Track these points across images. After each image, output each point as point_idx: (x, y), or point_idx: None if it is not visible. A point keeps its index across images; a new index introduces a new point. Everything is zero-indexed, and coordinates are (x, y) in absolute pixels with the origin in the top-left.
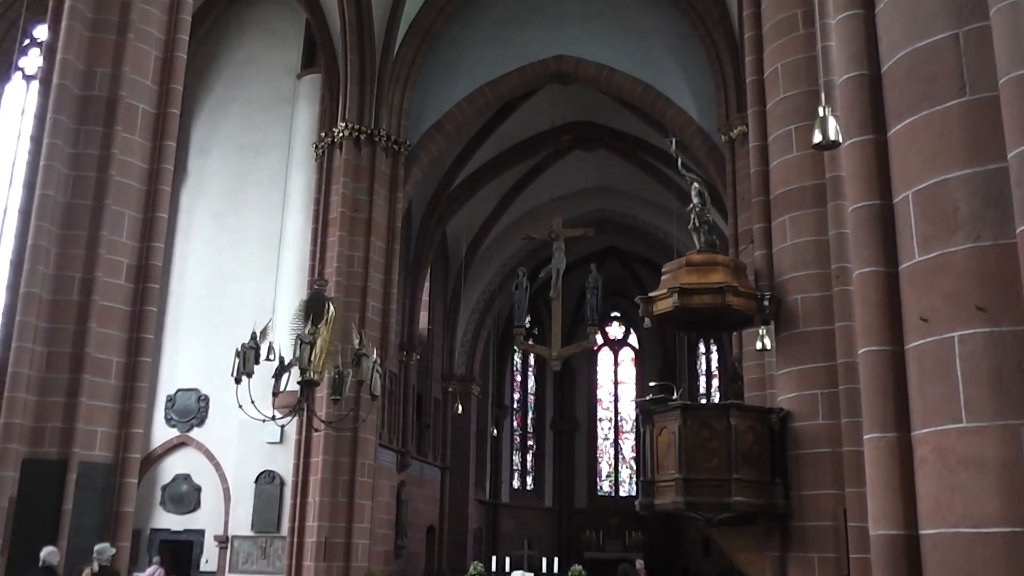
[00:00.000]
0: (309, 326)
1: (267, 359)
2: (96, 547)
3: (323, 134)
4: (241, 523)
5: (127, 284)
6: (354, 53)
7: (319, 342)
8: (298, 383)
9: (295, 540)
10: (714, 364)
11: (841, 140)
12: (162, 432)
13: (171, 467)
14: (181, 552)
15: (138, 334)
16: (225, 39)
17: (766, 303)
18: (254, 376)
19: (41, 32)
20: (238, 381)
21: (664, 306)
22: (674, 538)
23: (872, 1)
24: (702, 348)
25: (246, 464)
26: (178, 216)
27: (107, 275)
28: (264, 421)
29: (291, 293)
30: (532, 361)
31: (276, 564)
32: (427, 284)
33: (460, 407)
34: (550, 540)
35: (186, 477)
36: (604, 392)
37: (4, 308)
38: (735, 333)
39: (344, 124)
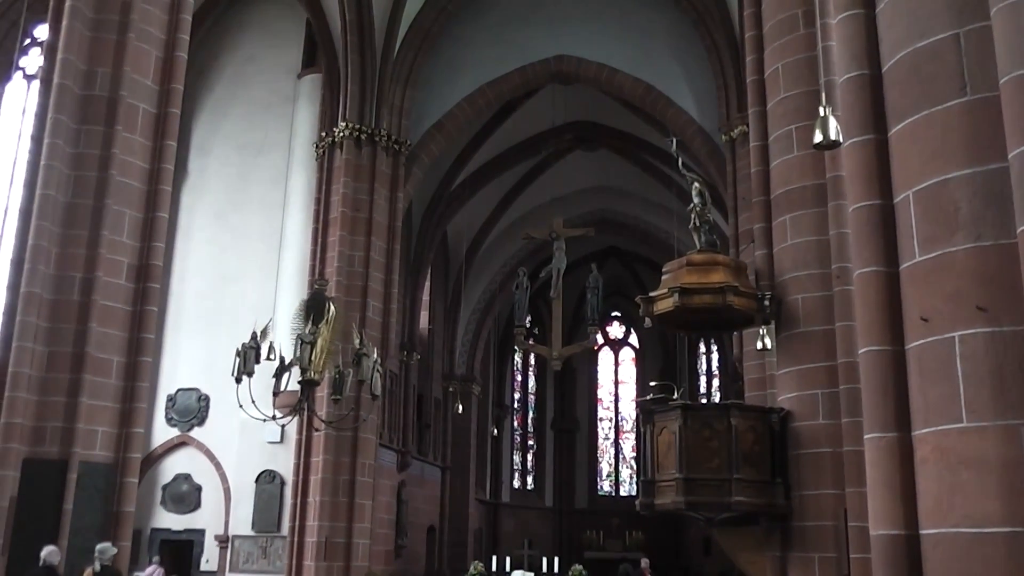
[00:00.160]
0: (310, 326)
1: (268, 359)
2: (97, 547)
3: (324, 134)
4: (242, 523)
5: (128, 284)
6: (355, 53)
7: (320, 342)
8: (299, 383)
9: (295, 540)
10: (714, 364)
11: (842, 140)
12: (163, 432)
13: (172, 467)
14: (182, 552)
15: (139, 334)
16: (226, 39)
17: (767, 303)
18: (255, 376)
19: (42, 32)
20: (239, 381)
21: (665, 306)
22: (675, 538)
23: (873, 1)
24: (703, 348)
25: (246, 464)
26: (179, 216)
27: (108, 275)
28: (265, 421)
29: (292, 293)
30: (532, 361)
31: (277, 564)
32: (427, 284)
33: (460, 407)
34: (551, 540)
35: (187, 477)
36: (605, 392)
37: (5, 308)
38: (735, 333)
39: (345, 124)
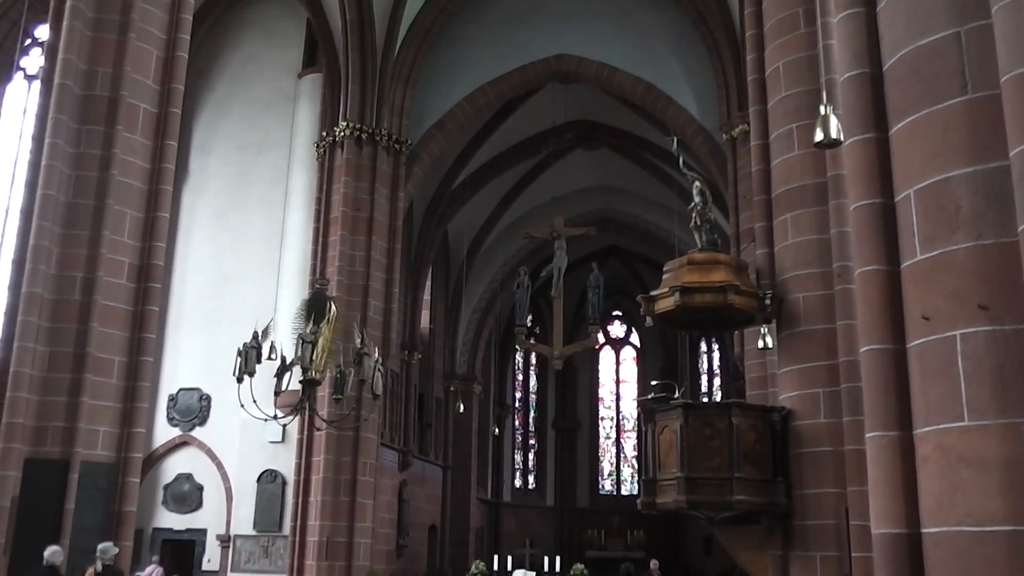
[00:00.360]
0: (311, 325)
1: (269, 358)
2: (99, 546)
3: (324, 133)
4: (243, 522)
5: (129, 283)
6: (355, 52)
7: (321, 341)
8: (300, 382)
9: (297, 539)
10: (716, 363)
11: (842, 138)
12: (164, 431)
13: (173, 466)
14: (183, 551)
15: (140, 333)
16: (226, 38)
17: (768, 302)
18: (256, 375)
19: (42, 32)
20: (240, 380)
21: (666, 305)
22: (676, 537)
23: None
24: (704, 347)
25: (248, 463)
26: (180, 215)
27: (109, 274)
28: (266, 420)
29: (293, 292)
30: (534, 360)
31: (278, 563)
32: (428, 283)
33: (462, 406)
34: (552, 539)
35: (188, 476)
36: (606, 391)
37: (6, 308)
38: (737, 332)
39: (345, 123)
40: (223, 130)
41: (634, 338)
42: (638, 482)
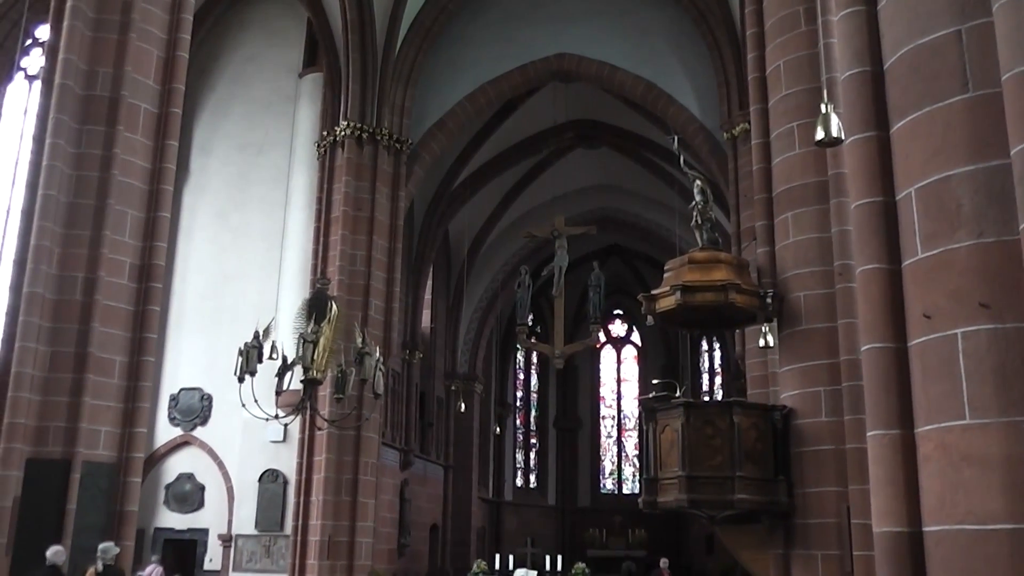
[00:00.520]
0: (312, 325)
1: (270, 358)
2: (100, 546)
3: (325, 133)
4: (245, 522)
5: (130, 283)
6: (356, 52)
7: (322, 341)
8: (301, 382)
9: (299, 539)
10: (717, 362)
11: (843, 137)
12: (165, 431)
13: (174, 466)
14: (185, 551)
15: (141, 333)
16: (227, 38)
17: (769, 300)
18: (257, 375)
19: (43, 32)
20: (241, 380)
21: (667, 304)
22: (677, 536)
23: None
24: (705, 346)
25: (249, 463)
26: (180, 215)
27: (110, 274)
28: (267, 420)
29: (294, 292)
30: (535, 359)
31: (280, 563)
32: (429, 282)
33: (463, 405)
34: (553, 538)
35: (189, 476)
36: (607, 390)
37: (7, 308)
38: (738, 331)
39: (346, 123)
40: (224, 130)
41: (635, 337)
42: (639, 481)
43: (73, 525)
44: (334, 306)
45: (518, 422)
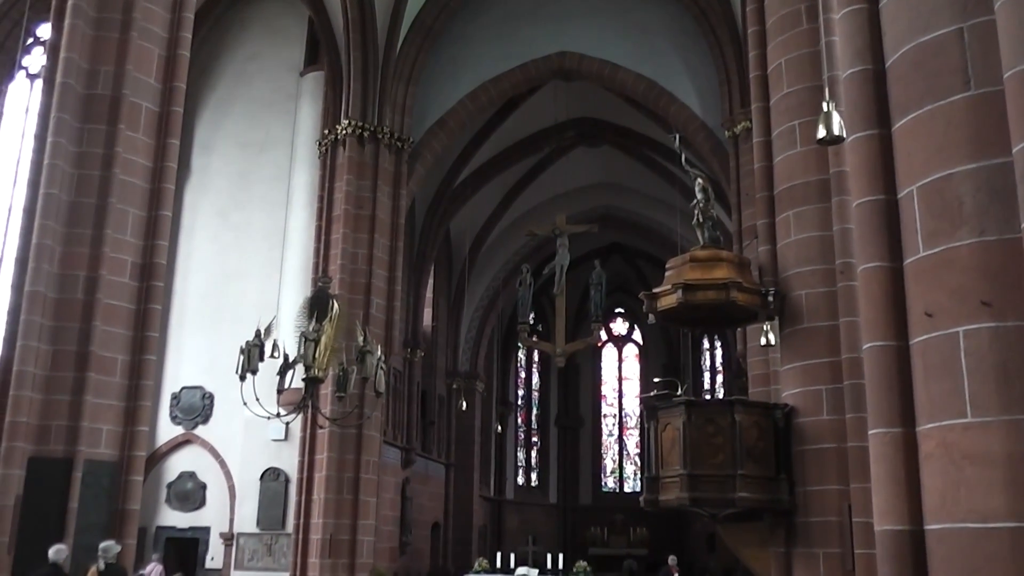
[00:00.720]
0: (313, 323)
1: (271, 356)
2: (101, 545)
3: (326, 131)
4: (246, 520)
5: (131, 282)
6: (357, 50)
7: (323, 339)
8: (302, 380)
9: (300, 537)
10: (718, 360)
11: (845, 135)
12: (167, 430)
13: (176, 465)
14: (187, 550)
15: (143, 332)
16: (228, 37)
17: (770, 299)
18: (259, 373)
19: (44, 31)
20: (243, 378)
21: (668, 302)
22: (678, 534)
23: None
24: (706, 344)
25: (251, 461)
26: (182, 214)
27: (111, 273)
28: (269, 418)
29: (295, 290)
30: (536, 357)
31: (282, 561)
32: (431, 281)
33: (464, 404)
34: (555, 536)
35: (191, 475)
36: (608, 388)
37: (9, 307)
38: (739, 329)
39: (347, 121)
40: (225, 128)
41: (636, 335)
42: (641, 479)
43: (75, 524)
44: (335, 304)
45: (519, 420)
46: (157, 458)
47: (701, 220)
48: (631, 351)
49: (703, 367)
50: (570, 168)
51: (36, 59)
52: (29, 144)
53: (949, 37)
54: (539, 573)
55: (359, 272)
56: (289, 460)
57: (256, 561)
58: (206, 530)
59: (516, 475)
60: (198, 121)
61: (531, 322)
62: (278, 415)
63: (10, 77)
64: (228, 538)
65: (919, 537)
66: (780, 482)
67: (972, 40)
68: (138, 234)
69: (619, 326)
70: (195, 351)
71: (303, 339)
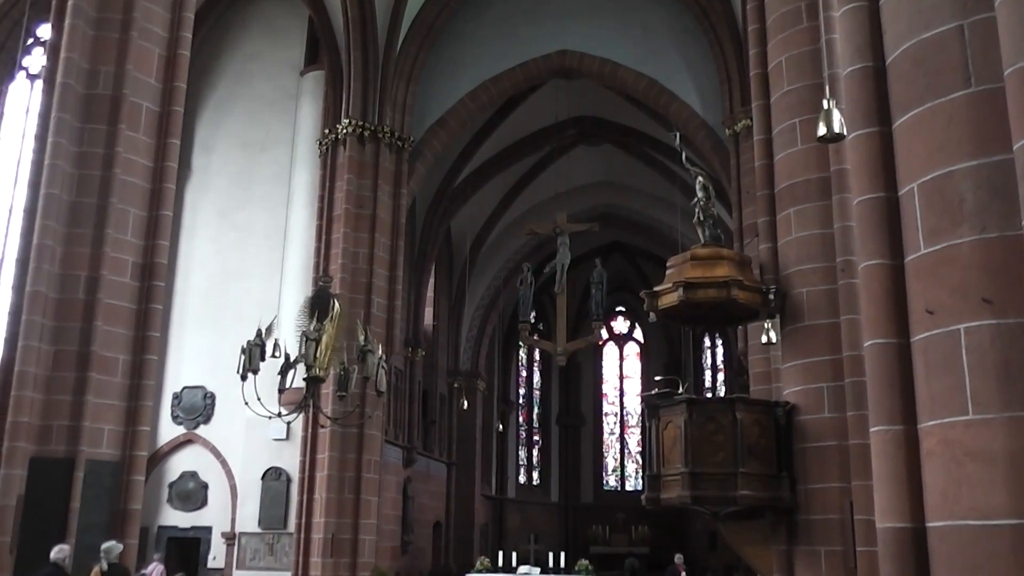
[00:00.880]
0: (314, 323)
1: (273, 356)
2: (104, 545)
3: (327, 131)
4: (248, 520)
5: (132, 282)
6: (357, 50)
7: (324, 339)
8: (304, 380)
9: (302, 536)
10: (719, 358)
11: (846, 133)
12: (169, 429)
13: (178, 464)
14: (189, 549)
15: (144, 332)
16: (228, 36)
17: (771, 297)
18: (260, 373)
19: (45, 31)
20: (244, 378)
21: (669, 300)
22: (680, 532)
23: None
24: (707, 342)
25: (253, 461)
26: (183, 214)
27: (112, 273)
28: (270, 418)
29: (296, 290)
30: (537, 356)
31: (283, 560)
32: (432, 280)
33: (466, 403)
34: (556, 535)
35: (193, 474)
36: (609, 387)
37: (10, 307)
38: (740, 327)
39: (348, 120)
40: (226, 128)
41: (637, 334)
42: (642, 478)
43: (77, 523)
44: (336, 304)
45: (521, 419)
46: (159, 458)
47: (702, 218)
48: (632, 349)
49: (704, 365)
50: (571, 167)
51: (36, 59)
52: (30, 144)
53: (950, 34)
54: (541, 572)
55: (360, 271)
56: (290, 459)
57: (258, 561)
58: (208, 530)
59: (518, 474)
60: (199, 121)
61: (532, 321)
62: (279, 415)
63: (10, 77)
64: (230, 538)
65: (921, 535)
66: (781, 480)
67: (973, 37)
68: (139, 234)
69: (620, 325)
70: (196, 351)
71: (304, 338)
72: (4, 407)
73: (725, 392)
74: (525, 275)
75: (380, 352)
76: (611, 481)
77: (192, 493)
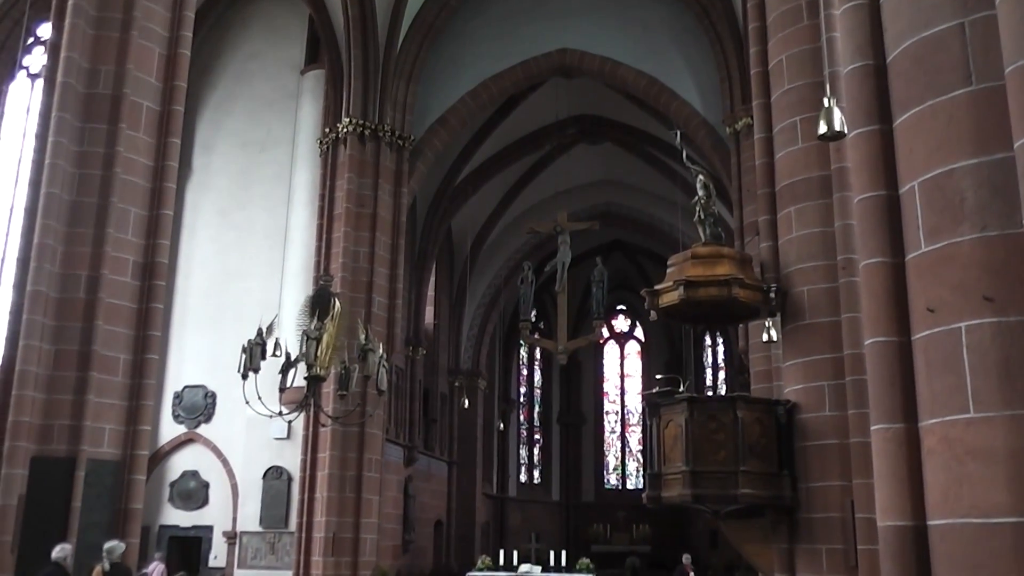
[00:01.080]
0: (315, 322)
1: (273, 355)
2: (106, 545)
3: (327, 130)
4: (249, 519)
5: (133, 281)
6: (357, 48)
7: (325, 337)
8: (304, 379)
9: (303, 535)
10: (720, 356)
11: (846, 131)
12: (170, 429)
13: (179, 464)
14: (190, 548)
15: (145, 331)
16: (228, 36)
17: (772, 295)
18: (261, 372)
19: (45, 30)
20: (245, 377)
21: (670, 299)
22: (681, 531)
23: None
24: (708, 341)
25: (254, 460)
26: (183, 213)
27: (113, 272)
28: (271, 417)
29: (297, 289)
30: (538, 355)
31: (285, 559)
32: (432, 279)
33: (467, 401)
34: (557, 533)
35: (194, 473)
36: (610, 385)
37: (11, 307)
38: (741, 325)
39: (348, 120)
40: (226, 127)
41: (638, 332)
42: (643, 476)
43: (78, 523)
44: (337, 303)
45: (522, 418)
46: (160, 457)
47: (702, 217)
48: (633, 348)
49: (705, 364)
50: (571, 165)
51: (37, 59)
52: (30, 144)
53: (950, 32)
54: (542, 570)
55: (360, 270)
56: (292, 458)
57: (259, 560)
58: (209, 529)
59: (519, 472)
60: (199, 120)
61: (533, 319)
62: (280, 413)
63: (11, 77)
64: (231, 537)
65: (922, 533)
66: (782, 478)
67: (973, 35)
68: (140, 233)
69: (621, 323)
70: (197, 350)
71: (305, 337)
72: (5, 406)
73: (726, 390)
74: (526, 274)
75: (381, 351)
76: (612, 480)
77: (193, 492)
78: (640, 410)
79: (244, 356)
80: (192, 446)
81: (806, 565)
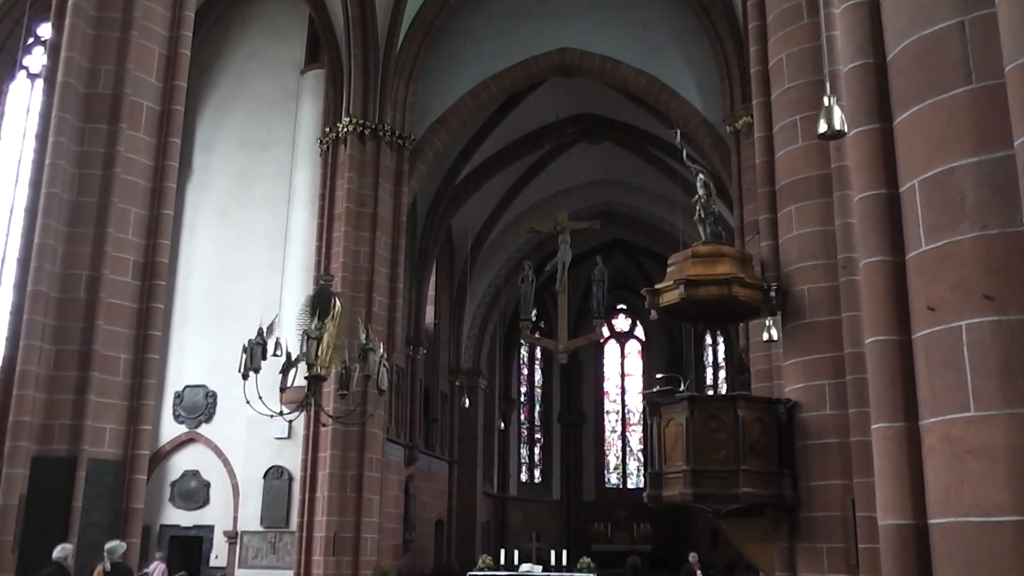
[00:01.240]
0: (315, 321)
1: (274, 355)
2: (107, 545)
3: (327, 129)
4: (250, 518)
5: (134, 281)
6: (357, 48)
7: (326, 337)
8: (305, 378)
9: (304, 535)
10: (721, 355)
11: (846, 129)
12: (170, 428)
13: (180, 463)
14: (191, 548)
15: (145, 331)
16: (229, 35)
17: (773, 294)
18: (261, 372)
19: (45, 30)
20: (245, 377)
21: (670, 298)
22: (682, 530)
23: None
24: (709, 340)
25: (254, 459)
26: (184, 213)
27: (114, 272)
28: (272, 416)
29: (297, 288)
30: (539, 354)
31: (285, 559)
32: (433, 278)
33: (467, 401)
34: (558, 533)
35: (195, 473)
36: (611, 384)
37: (12, 307)
38: (742, 324)
39: (348, 119)
40: (226, 127)
41: (639, 331)
42: (644, 475)
43: (79, 523)
44: (338, 302)
45: (522, 417)
46: (160, 457)
47: (703, 216)
48: (633, 347)
49: (705, 363)
50: (571, 165)
51: (37, 59)
52: (30, 144)
53: (950, 30)
54: (543, 570)
55: (361, 270)
56: (292, 458)
57: (260, 559)
58: (210, 528)
59: (519, 472)
60: (199, 120)
61: (533, 319)
62: (281, 413)
63: (11, 77)
64: (232, 536)
65: (923, 532)
66: (783, 477)
67: (973, 33)
68: (140, 233)
69: (621, 322)
70: (198, 350)
71: (305, 337)
72: (6, 406)
73: (726, 389)
74: (526, 273)
75: (381, 350)
76: (613, 479)
77: (194, 492)
78: (641, 409)
79: (245, 356)
80: (193, 446)
81: (807, 564)
